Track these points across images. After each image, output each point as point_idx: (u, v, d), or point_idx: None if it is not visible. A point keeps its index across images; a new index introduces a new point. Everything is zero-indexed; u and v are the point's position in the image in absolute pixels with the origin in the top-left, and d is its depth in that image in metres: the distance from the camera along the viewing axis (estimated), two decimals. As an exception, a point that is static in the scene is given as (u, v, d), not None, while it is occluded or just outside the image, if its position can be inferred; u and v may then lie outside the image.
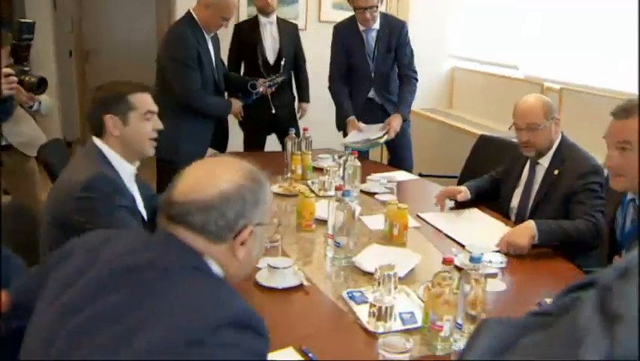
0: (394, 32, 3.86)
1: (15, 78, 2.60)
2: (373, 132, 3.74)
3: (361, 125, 3.81)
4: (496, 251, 2.12)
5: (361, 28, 3.84)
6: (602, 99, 3.55)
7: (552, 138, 2.55)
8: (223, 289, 1.18)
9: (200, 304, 1.09)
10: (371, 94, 3.99)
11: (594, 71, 3.80)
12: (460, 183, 3.10)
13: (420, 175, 3.93)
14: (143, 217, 2.22)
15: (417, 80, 3.97)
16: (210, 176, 1.23)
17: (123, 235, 1.31)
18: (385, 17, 3.95)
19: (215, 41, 3.73)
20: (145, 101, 2.14)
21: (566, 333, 0.68)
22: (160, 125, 2.20)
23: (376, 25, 3.82)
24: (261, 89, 3.85)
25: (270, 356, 1.56)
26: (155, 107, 2.18)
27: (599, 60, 3.79)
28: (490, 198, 2.88)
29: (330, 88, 4.05)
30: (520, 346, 0.73)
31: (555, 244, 2.35)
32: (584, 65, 3.94)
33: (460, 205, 2.81)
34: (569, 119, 3.82)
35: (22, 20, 2.73)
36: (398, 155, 4.07)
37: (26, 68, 2.68)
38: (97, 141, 2.10)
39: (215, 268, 1.22)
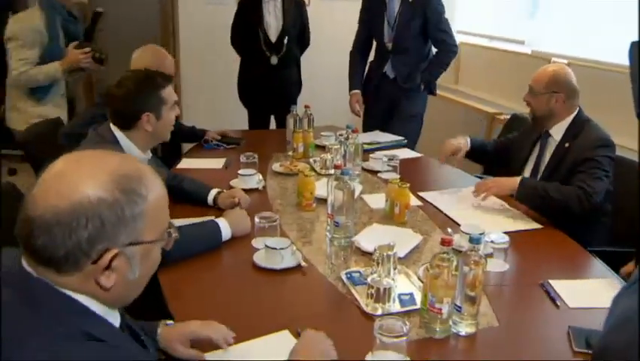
0: (422, 0, 3.67)
1: (90, 54, 3.37)
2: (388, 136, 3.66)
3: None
4: (505, 232, 2.07)
5: None
6: (610, 74, 3.47)
7: (553, 110, 2.54)
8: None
9: None
10: (387, 67, 3.89)
11: (602, 46, 3.71)
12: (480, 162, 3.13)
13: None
14: None
15: (454, 53, 3.84)
16: (65, 180, 0.95)
17: None
18: None
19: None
20: (172, 92, 2.17)
21: None
22: (178, 111, 2.23)
23: None
24: (213, 142, 3.44)
25: (265, 338, 1.54)
26: (176, 96, 2.22)
27: (606, 34, 3.70)
28: (488, 162, 2.88)
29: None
30: None
31: (554, 216, 2.37)
32: (591, 39, 3.84)
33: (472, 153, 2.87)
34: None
35: (95, 10, 3.58)
36: (390, 129, 3.78)
37: (93, 46, 3.45)
38: (114, 128, 2.11)
39: (91, 305, 0.99)
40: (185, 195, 2.49)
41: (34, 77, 3.33)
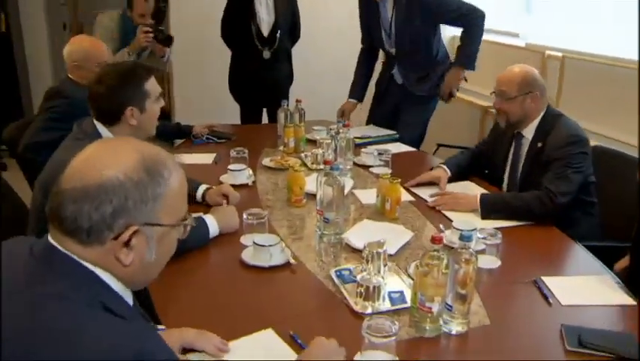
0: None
1: (151, 34, 3.59)
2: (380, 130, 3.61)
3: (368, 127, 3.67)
4: (496, 228, 2.04)
5: None
6: (605, 67, 3.44)
7: (527, 112, 2.50)
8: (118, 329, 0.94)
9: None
10: (394, 72, 3.71)
11: (597, 39, 3.67)
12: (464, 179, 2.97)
13: (438, 145, 3.84)
14: None
15: (480, 18, 3.47)
16: (97, 160, 1.01)
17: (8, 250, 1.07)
18: None
19: None
20: (155, 83, 2.10)
21: None
22: (163, 103, 2.15)
23: None
24: (204, 137, 3.40)
25: (248, 338, 1.51)
26: (160, 88, 2.14)
27: (601, 27, 3.66)
28: (471, 174, 2.80)
29: None
30: None
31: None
32: (586, 32, 3.80)
33: (456, 176, 2.73)
34: (572, 87, 3.71)
35: None
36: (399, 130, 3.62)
37: (161, 27, 3.71)
38: (98, 124, 2.04)
39: (110, 281, 1.02)
40: None
41: None
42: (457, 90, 3.57)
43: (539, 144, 2.47)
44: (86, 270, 1.00)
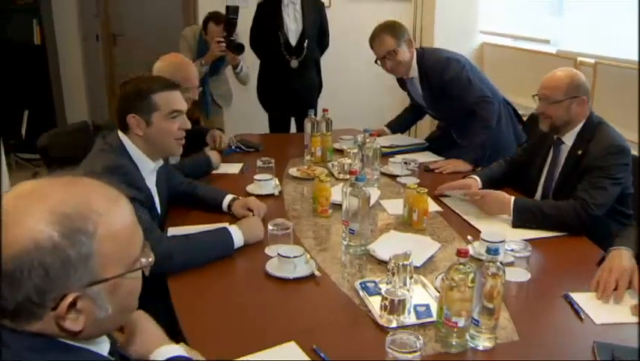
0: (433, 77, 3.25)
1: (224, 44, 3.79)
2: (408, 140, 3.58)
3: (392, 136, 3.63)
4: (526, 240, 1.99)
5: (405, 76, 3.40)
6: (637, 73, 3.35)
7: (572, 116, 2.43)
8: None
9: None
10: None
11: (630, 44, 3.59)
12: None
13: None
14: (158, 214, 2.21)
15: (485, 106, 3.15)
16: (6, 226, 0.85)
17: None
18: (421, 61, 3.28)
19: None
20: (170, 99, 2.06)
21: None
22: (188, 125, 2.12)
23: (414, 74, 3.31)
24: (233, 147, 3.37)
25: (270, 351, 1.49)
26: (182, 106, 2.10)
27: (633, 32, 3.58)
28: (506, 183, 2.74)
29: None
30: None
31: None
32: (619, 37, 3.72)
33: (488, 187, 2.67)
34: (604, 94, 3.64)
35: (229, 5, 3.85)
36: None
37: (232, 38, 3.84)
38: (121, 134, 2.07)
39: (71, 341, 0.92)
40: (199, 201, 2.46)
41: None
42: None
43: (579, 152, 2.40)
44: (32, 340, 0.89)
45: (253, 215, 2.31)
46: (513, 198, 2.37)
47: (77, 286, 0.88)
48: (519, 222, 2.30)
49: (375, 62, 3.35)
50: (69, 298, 0.87)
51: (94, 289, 0.90)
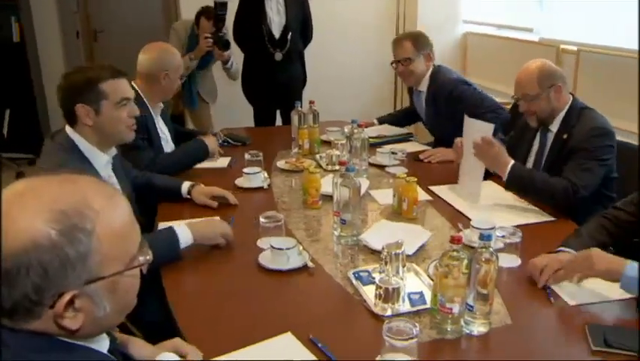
0: (441, 94, 3.26)
1: (211, 39, 3.91)
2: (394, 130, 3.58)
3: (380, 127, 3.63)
4: (516, 226, 2.02)
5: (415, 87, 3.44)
6: (620, 59, 3.39)
7: (554, 106, 2.46)
8: None
9: None
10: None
11: (612, 31, 3.62)
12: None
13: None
14: None
15: (496, 118, 3.02)
16: (4, 222, 0.85)
17: None
18: (434, 77, 3.31)
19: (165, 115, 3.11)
20: (118, 88, 2.05)
21: None
22: (137, 112, 2.12)
23: (423, 88, 3.35)
24: (220, 141, 3.30)
25: (267, 342, 1.50)
26: (130, 93, 2.09)
27: (615, 20, 3.62)
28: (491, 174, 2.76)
29: None
30: None
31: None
32: (601, 25, 3.76)
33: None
34: (587, 80, 3.67)
35: (217, 0, 3.88)
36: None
37: (221, 34, 3.94)
38: (69, 131, 2.04)
39: (70, 340, 0.92)
40: (157, 191, 2.47)
41: None
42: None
43: (564, 136, 2.44)
44: (33, 340, 0.89)
45: (230, 203, 2.35)
46: (512, 162, 2.40)
47: (75, 284, 0.87)
48: (509, 183, 2.39)
49: (391, 64, 3.39)
50: (67, 297, 0.87)
51: (92, 287, 0.89)
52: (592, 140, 2.34)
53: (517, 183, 2.39)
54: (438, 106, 3.29)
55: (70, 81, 2.00)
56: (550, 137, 2.52)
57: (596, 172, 2.33)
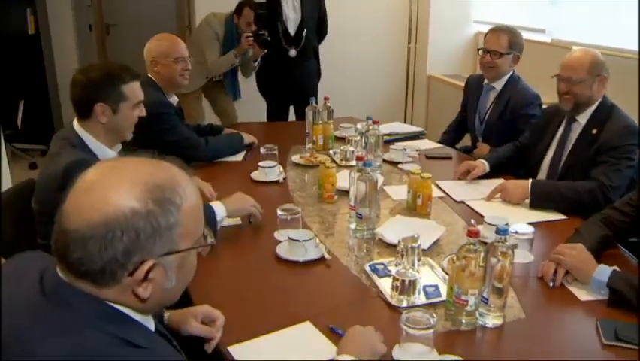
0: (513, 103, 3.17)
1: (251, 38, 4.02)
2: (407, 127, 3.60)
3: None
4: (529, 223, 2.05)
5: (485, 81, 3.32)
6: (632, 61, 3.41)
7: (592, 94, 2.49)
8: None
9: None
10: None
11: (624, 33, 3.65)
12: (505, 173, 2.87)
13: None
14: None
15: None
16: (98, 193, 0.92)
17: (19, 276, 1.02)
18: (513, 80, 3.24)
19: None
20: (137, 90, 2.11)
21: None
22: (144, 113, 2.17)
23: (498, 85, 3.26)
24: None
25: (287, 330, 1.54)
26: (142, 96, 2.15)
27: (627, 22, 3.63)
28: (514, 167, 2.80)
29: None
30: None
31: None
32: (613, 26, 3.78)
33: (486, 175, 2.73)
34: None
35: (256, 0, 4.10)
36: None
37: (261, 32, 4.05)
38: (77, 126, 2.06)
39: (129, 312, 0.98)
40: None
41: (218, 65, 4.18)
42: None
43: (594, 130, 2.46)
44: (102, 307, 0.94)
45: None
46: (530, 180, 2.43)
47: (156, 253, 0.95)
48: (536, 203, 2.38)
49: (478, 50, 3.34)
50: (148, 264, 0.94)
51: (168, 259, 0.97)
52: (624, 137, 2.38)
53: (543, 198, 2.38)
54: (507, 109, 3.19)
55: (91, 78, 2.02)
56: (576, 129, 2.55)
57: (625, 173, 2.37)
